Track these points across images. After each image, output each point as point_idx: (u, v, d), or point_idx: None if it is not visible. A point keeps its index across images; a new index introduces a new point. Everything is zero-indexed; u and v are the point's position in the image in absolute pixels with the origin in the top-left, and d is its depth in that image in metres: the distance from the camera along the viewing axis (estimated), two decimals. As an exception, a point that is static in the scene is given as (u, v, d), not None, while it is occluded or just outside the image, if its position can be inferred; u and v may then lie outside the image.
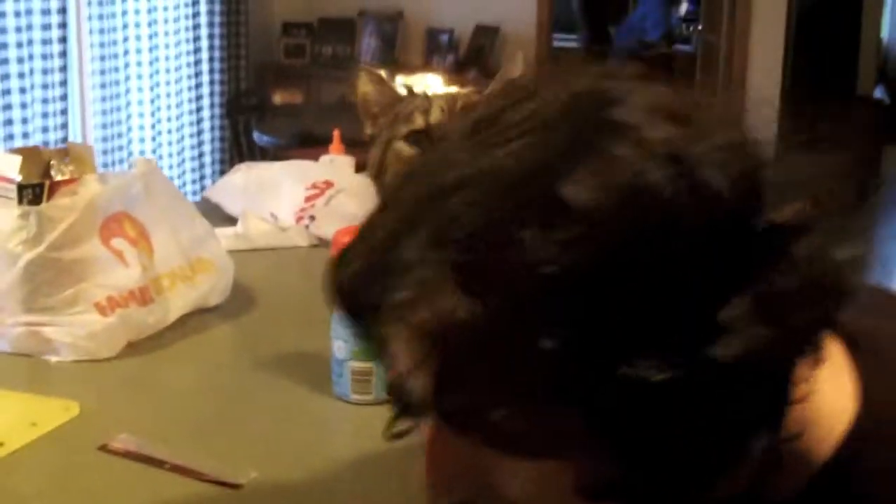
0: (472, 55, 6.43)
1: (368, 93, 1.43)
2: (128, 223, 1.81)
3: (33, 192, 1.77)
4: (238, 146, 5.08)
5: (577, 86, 0.77)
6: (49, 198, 1.78)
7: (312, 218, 2.33)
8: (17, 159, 1.85)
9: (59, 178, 1.86)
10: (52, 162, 1.88)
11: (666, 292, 0.68)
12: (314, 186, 2.41)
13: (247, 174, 2.51)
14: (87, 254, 1.75)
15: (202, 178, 5.93)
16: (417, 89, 1.43)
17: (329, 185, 2.42)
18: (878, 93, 9.01)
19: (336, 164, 2.61)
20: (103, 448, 1.44)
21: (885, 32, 10.07)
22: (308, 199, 2.39)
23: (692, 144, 0.72)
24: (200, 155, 5.90)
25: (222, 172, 5.95)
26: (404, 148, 1.41)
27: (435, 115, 1.38)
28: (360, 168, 2.83)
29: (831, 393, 0.79)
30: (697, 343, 0.68)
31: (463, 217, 0.70)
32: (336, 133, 2.73)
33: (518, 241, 0.68)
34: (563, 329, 0.67)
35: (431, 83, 4.52)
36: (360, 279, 0.75)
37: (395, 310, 0.72)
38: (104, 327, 1.73)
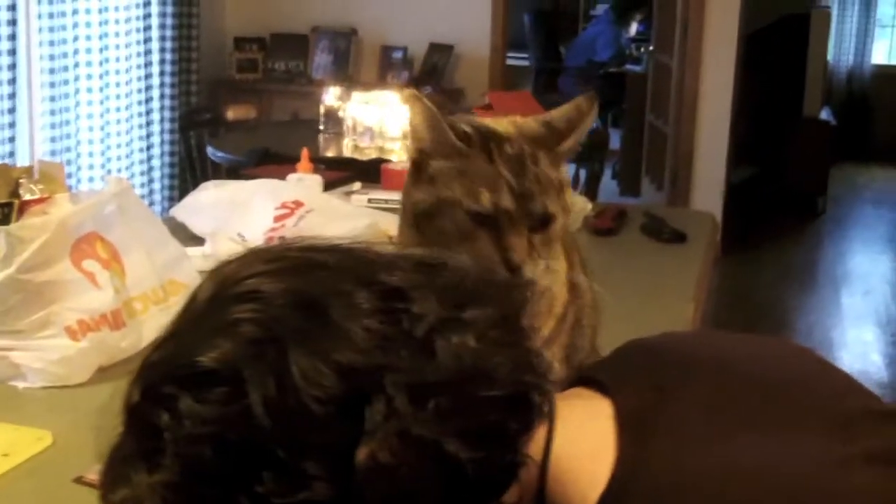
0: (427, 72, 6.40)
1: (418, 126, 1.25)
2: (100, 244, 1.76)
3: (2, 211, 1.71)
4: (190, 162, 5.00)
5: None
6: (18, 217, 1.72)
7: (283, 239, 2.28)
8: (-16, 177, 1.79)
9: (28, 196, 1.81)
10: (20, 180, 1.82)
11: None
12: (284, 206, 2.36)
13: (215, 193, 2.46)
14: (58, 276, 1.69)
15: (151, 193, 5.85)
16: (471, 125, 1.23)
17: (299, 204, 2.37)
18: (825, 114, 9.11)
19: (305, 184, 2.57)
20: (79, 480, 1.38)
21: (830, 55, 10.19)
22: (277, 219, 2.33)
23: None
24: (150, 170, 5.82)
25: (171, 188, 5.88)
26: (467, 225, 1.20)
27: (505, 201, 1.17)
28: (328, 186, 2.79)
29: (590, 462, 0.90)
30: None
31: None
32: (304, 151, 2.68)
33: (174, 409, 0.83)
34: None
35: (388, 99, 4.47)
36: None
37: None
38: (76, 352, 1.67)
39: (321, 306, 0.86)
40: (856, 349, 5.45)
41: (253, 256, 0.93)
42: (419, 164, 1.24)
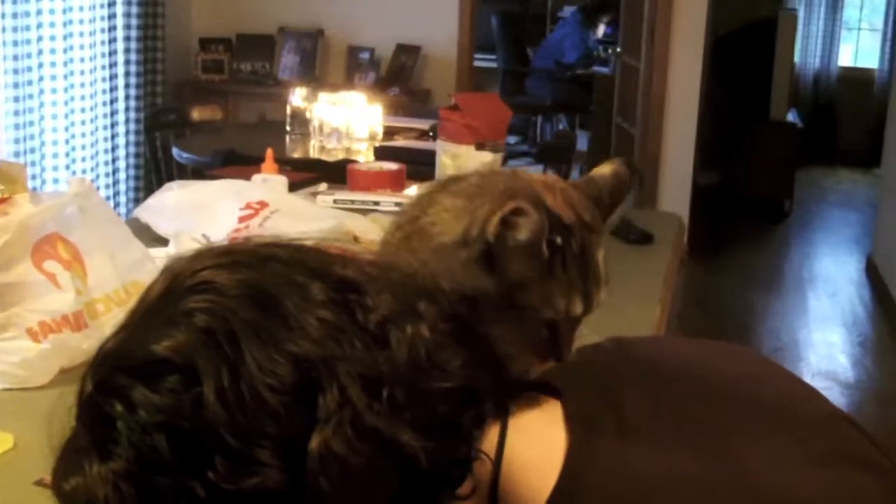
0: (394, 73, 6.39)
1: (521, 244, 1.03)
2: (61, 245, 1.74)
3: (-38, 212, 1.68)
4: (155, 163, 4.97)
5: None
6: (-22, 218, 1.69)
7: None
8: (-57, 177, 1.76)
9: (-12, 196, 1.78)
10: (-19, 180, 1.80)
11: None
12: (248, 206, 2.34)
13: (178, 193, 2.43)
14: (18, 277, 1.67)
15: (116, 194, 5.80)
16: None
17: (264, 205, 2.35)
18: (792, 116, 9.15)
19: (270, 184, 2.55)
20: (40, 483, 1.36)
21: (797, 57, 10.25)
22: (242, 220, 2.32)
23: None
24: (115, 171, 5.78)
25: (136, 189, 5.83)
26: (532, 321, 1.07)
27: (576, 308, 1.05)
28: (294, 187, 2.77)
29: (540, 463, 0.92)
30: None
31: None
32: (269, 152, 2.67)
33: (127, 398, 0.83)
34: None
35: (355, 100, 4.46)
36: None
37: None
38: (37, 354, 1.65)
39: (275, 297, 0.86)
40: (822, 350, 5.48)
41: (206, 252, 0.93)
42: (490, 254, 1.03)
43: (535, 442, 0.95)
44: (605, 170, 1.14)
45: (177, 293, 0.88)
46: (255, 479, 0.80)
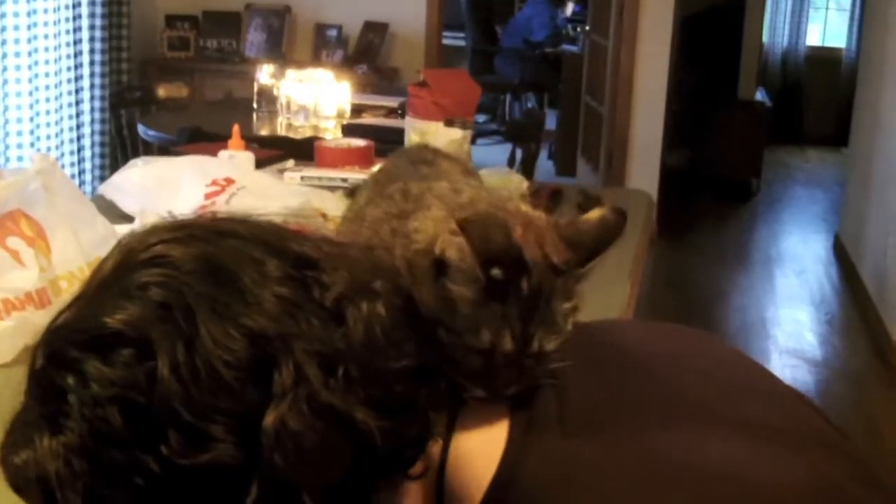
0: (362, 51, 6.35)
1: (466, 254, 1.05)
2: (24, 222, 1.71)
3: (-79, 187, 1.65)
4: (121, 140, 4.92)
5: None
6: (-62, 194, 1.66)
7: (211, 216, 2.23)
8: None
9: (-52, 172, 1.75)
10: (-59, 156, 1.76)
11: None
12: (214, 183, 2.32)
13: (143, 170, 2.40)
14: (-20, 254, 1.64)
15: (82, 172, 5.75)
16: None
17: (230, 182, 2.32)
18: (760, 96, 9.17)
19: (236, 161, 2.52)
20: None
21: (765, 37, 10.27)
22: (208, 197, 2.29)
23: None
24: (80, 149, 5.72)
25: (102, 167, 5.78)
26: None
27: (505, 345, 0.99)
28: (261, 164, 2.74)
29: (478, 467, 0.92)
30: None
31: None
32: (236, 128, 2.64)
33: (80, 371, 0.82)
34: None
35: (322, 78, 4.43)
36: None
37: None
38: (0, 332, 1.62)
39: (231, 272, 0.85)
40: (789, 328, 5.49)
41: (161, 226, 0.92)
42: (440, 266, 1.01)
43: (482, 428, 0.95)
44: (593, 215, 1.11)
45: (131, 266, 0.87)
46: (209, 454, 0.79)
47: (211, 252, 0.87)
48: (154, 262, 0.86)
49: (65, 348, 0.84)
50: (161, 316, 0.82)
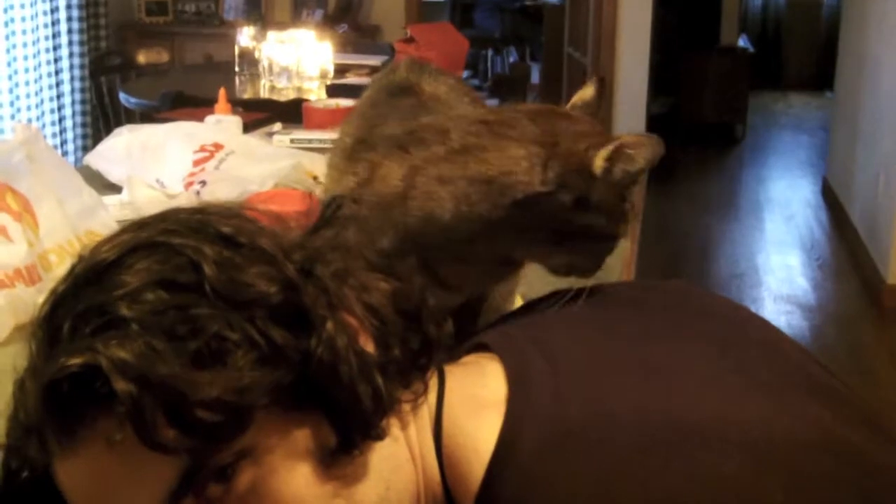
0: (342, 10, 6.29)
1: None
2: (10, 196, 1.66)
3: None
4: (102, 108, 4.86)
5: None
6: (-80, 170, 1.62)
7: (203, 183, 2.18)
8: None
9: (-71, 147, 1.70)
10: (-79, 130, 1.71)
11: None
12: (203, 149, 2.27)
13: (129, 138, 2.35)
14: (-34, 230, 1.60)
15: (64, 142, 5.69)
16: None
17: (218, 147, 2.28)
18: (742, 42, 9.14)
19: (224, 125, 2.47)
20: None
21: (745, -18, 10.22)
22: (197, 163, 2.24)
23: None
24: (61, 119, 5.66)
25: (84, 136, 5.72)
26: None
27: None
28: (247, 128, 2.70)
29: (476, 428, 0.90)
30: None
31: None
32: (222, 91, 2.59)
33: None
34: None
35: (304, 38, 4.37)
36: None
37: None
38: (-10, 310, 1.58)
39: (236, 240, 0.88)
40: (781, 274, 5.48)
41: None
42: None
43: (473, 400, 0.94)
44: (587, 92, 1.12)
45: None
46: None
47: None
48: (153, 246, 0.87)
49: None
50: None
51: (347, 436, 0.86)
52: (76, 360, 0.80)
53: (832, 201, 6.44)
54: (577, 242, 1.10)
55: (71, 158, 5.55)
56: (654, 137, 1.09)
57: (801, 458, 0.84)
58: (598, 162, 1.05)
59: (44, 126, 5.50)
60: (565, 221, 1.07)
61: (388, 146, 1.19)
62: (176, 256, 0.84)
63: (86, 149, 5.45)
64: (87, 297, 0.83)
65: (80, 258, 0.88)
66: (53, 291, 0.87)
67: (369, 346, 0.90)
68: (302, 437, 0.85)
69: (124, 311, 0.81)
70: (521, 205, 1.06)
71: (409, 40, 2.77)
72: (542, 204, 1.06)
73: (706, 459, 0.83)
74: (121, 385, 0.78)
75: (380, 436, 0.88)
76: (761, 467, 0.83)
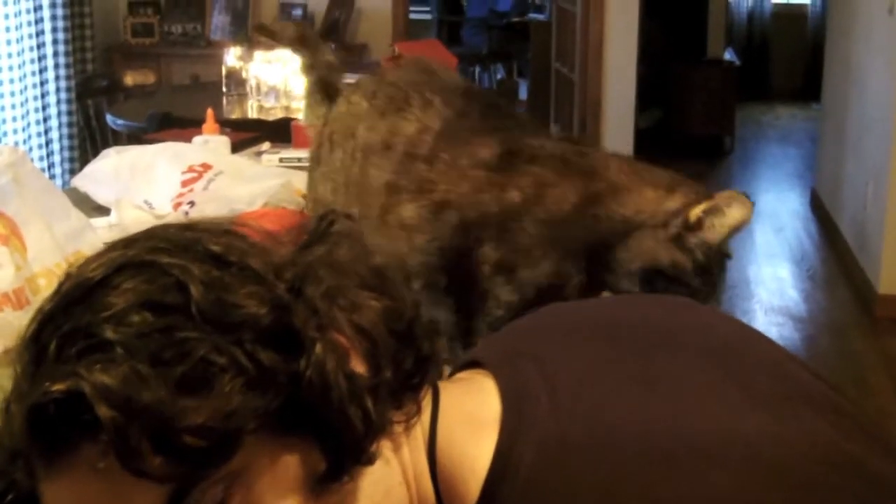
0: (328, 28, 6.28)
1: None
2: (-3, 219, 1.65)
3: None
4: (89, 131, 4.85)
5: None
6: None
7: (192, 203, 2.17)
8: None
9: (-85, 172, 1.68)
10: None
11: None
12: (191, 170, 2.26)
13: (116, 160, 2.34)
14: (-47, 254, 1.58)
15: (51, 166, 5.67)
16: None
17: (206, 167, 2.27)
18: (728, 55, 9.16)
19: (212, 145, 2.46)
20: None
21: (731, -5, 10.26)
22: (185, 184, 2.23)
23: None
24: (48, 142, 5.64)
25: (72, 159, 5.70)
26: None
27: None
28: (236, 148, 2.69)
29: (472, 446, 0.90)
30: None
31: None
32: (210, 112, 2.58)
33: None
34: None
35: (289, 57, 4.36)
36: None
37: None
38: (-23, 335, 1.56)
39: (226, 259, 0.86)
40: (772, 286, 5.48)
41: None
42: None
43: (468, 418, 0.93)
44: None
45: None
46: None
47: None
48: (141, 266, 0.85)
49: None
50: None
51: (337, 461, 0.84)
52: (59, 386, 0.78)
53: (821, 212, 6.45)
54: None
55: (58, 181, 5.53)
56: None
57: (802, 470, 0.84)
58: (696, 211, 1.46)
59: (31, 149, 5.49)
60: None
61: (555, 166, 1.52)
62: (163, 276, 0.83)
63: (73, 171, 5.43)
64: (73, 318, 0.82)
65: (68, 276, 0.87)
66: (40, 310, 0.85)
67: (360, 368, 0.88)
68: (291, 462, 0.84)
69: (109, 333, 0.80)
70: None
71: (396, 57, 2.76)
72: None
73: (708, 473, 0.82)
74: (104, 412, 0.77)
75: (370, 460, 0.86)
76: (763, 480, 0.82)
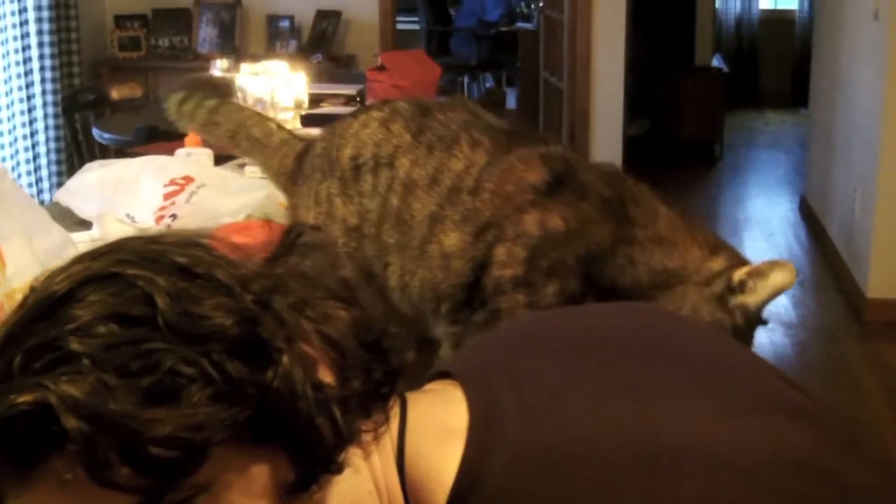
0: (316, 40, 6.29)
1: None
2: (-24, 234, 1.64)
3: None
4: (76, 145, 4.84)
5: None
6: None
7: (174, 217, 2.17)
8: None
9: None
10: None
11: None
12: (173, 183, 2.26)
13: (99, 174, 2.34)
14: (-69, 271, 1.58)
15: (39, 180, 5.66)
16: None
17: (189, 180, 2.26)
18: (716, 62, 9.17)
19: (194, 158, 2.46)
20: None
21: (718, 3, 10.26)
22: (167, 197, 2.23)
23: None
24: (35, 157, 5.63)
25: (59, 174, 5.69)
26: None
27: None
28: (220, 160, 2.68)
29: (439, 456, 0.90)
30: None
31: None
32: (192, 125, 2.56)
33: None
34: None
35: (277, 69, 4.37)
36: None
37: None
38: (-44, 351, 1.55)
39: (192, 271, 0.86)
40: (762, 292, 5.46)
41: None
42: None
43: (436, 428, 0.93)
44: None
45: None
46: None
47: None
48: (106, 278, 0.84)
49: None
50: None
51: (307, 470, 0.84)
52: (26, 398, 0.78)
53: (810, 218, 6.45)
54: None
55: (45, 196, 5.52)
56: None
57: (774, 478, 0.83)
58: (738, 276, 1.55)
59: (18, 163, 5.48)
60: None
61: (599, 203, 1.64)
62: (129, 288, 0.82)
63: (60, 185, 5.37)
64: (38, 331, 0.81)
65: (32, 290, 0.86)
66: (5, 324, 0.85)
67: (328, 378, 0.87)
68: (260, 472, 0.83)
69: (76, 345, 0.79)
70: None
71: (381, 68, 2.76)
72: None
73: (681, 482, 0.82)
74: (71, 423, 0.76)
75: (339, 469, 0.86)
76: (736, 488, 0.82)
